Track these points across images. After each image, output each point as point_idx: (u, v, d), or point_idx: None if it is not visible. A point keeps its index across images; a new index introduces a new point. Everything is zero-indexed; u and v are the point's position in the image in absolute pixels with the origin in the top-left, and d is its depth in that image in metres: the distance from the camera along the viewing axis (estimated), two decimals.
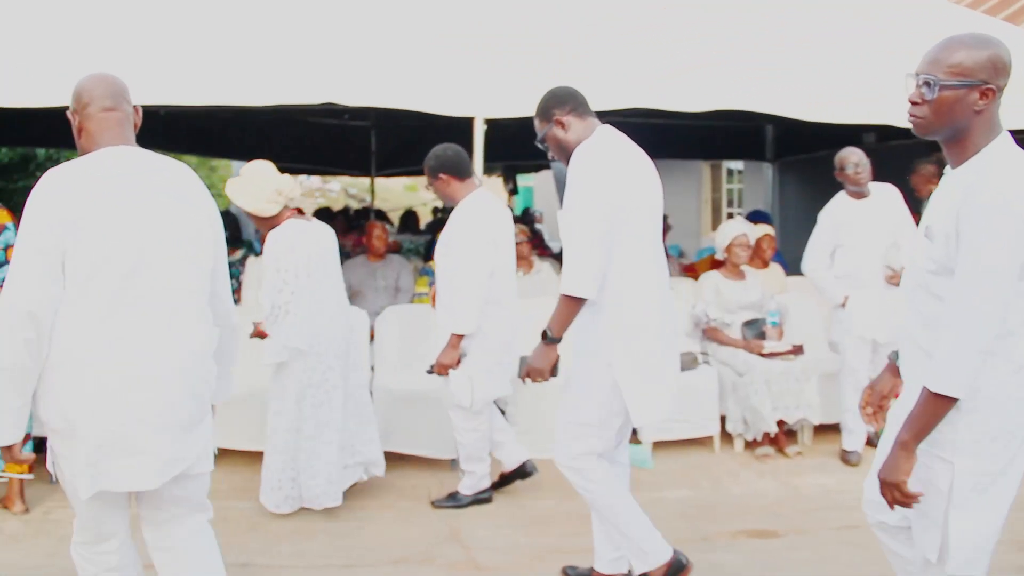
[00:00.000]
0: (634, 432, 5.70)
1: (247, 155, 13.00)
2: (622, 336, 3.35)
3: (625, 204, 3.33)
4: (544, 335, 3.39)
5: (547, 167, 13.22)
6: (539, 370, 3.45)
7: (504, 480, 4.95)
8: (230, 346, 3.00)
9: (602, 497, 3.58)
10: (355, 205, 19.76)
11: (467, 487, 4.82)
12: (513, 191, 14.92)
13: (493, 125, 7.39)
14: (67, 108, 2.78)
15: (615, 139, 3.51)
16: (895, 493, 2.36)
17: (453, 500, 4.81)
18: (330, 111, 9.60)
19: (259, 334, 4.56)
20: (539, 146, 3.64)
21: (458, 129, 5.82)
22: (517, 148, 10.48)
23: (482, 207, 4.55)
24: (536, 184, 19.13)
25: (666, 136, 10.44)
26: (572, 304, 3.30)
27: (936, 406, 2.29)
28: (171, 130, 10.33)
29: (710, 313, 5.93)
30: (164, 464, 2.68)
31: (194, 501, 2.96)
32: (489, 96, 5.18)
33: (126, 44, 4.87)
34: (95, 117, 2.71)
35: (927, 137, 2.42)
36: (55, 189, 2.59)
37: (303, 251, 4.43)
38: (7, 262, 4.46)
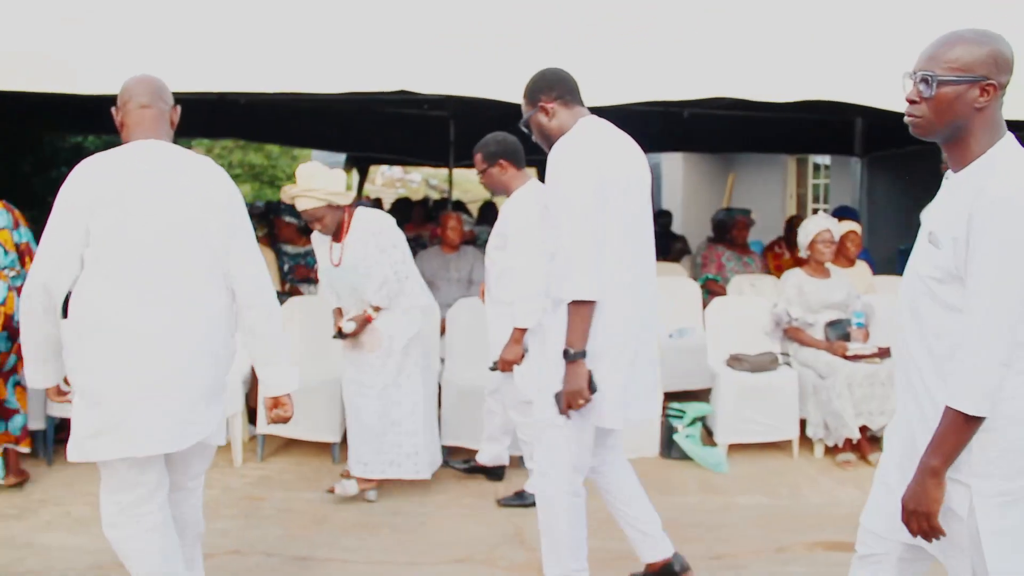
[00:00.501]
0: (709, 434, 5.56)
1: (328, 145, 13.18)
2: (599, 335, 3.15)
3: (610, 199, 3.17)
4: (566, 353, 3.12)
5: None
6: (576, 393, 3.11)
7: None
8: (266, 327, 3.02)
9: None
10: (435, 196, 19.80)
11: (533, 485, 4.69)
12: None
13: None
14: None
15: (598, 129, 3.33)
16: (923, 524, 2.20)
17: (519, 499, 4.69)
18: (409, 101, 9.59)
19: (366, 320, 4.58)
20: (523, 129, 3.52)
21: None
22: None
23: (537, 198, 4.41)
24: None
25: (749, 129, 10.18)
26: (583, 310, 3.10)
27: (963, 426, 2.13)
28: (253, 120, 10.45)
29: (792, 312, 5.71)
30: (180, 431, 2.88)
31: (195, 472, 3.19)
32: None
33: (207, 33, 4.86)
34: (132, 113, 2.97)
35: (926, 138, 2.28)
36: (81, 176, 2.85)
37: None
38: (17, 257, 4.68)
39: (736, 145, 12.38)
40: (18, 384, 4.75)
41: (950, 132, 2.23)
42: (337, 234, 4.62)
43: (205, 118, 10.59)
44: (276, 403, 3.12)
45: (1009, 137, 2.23)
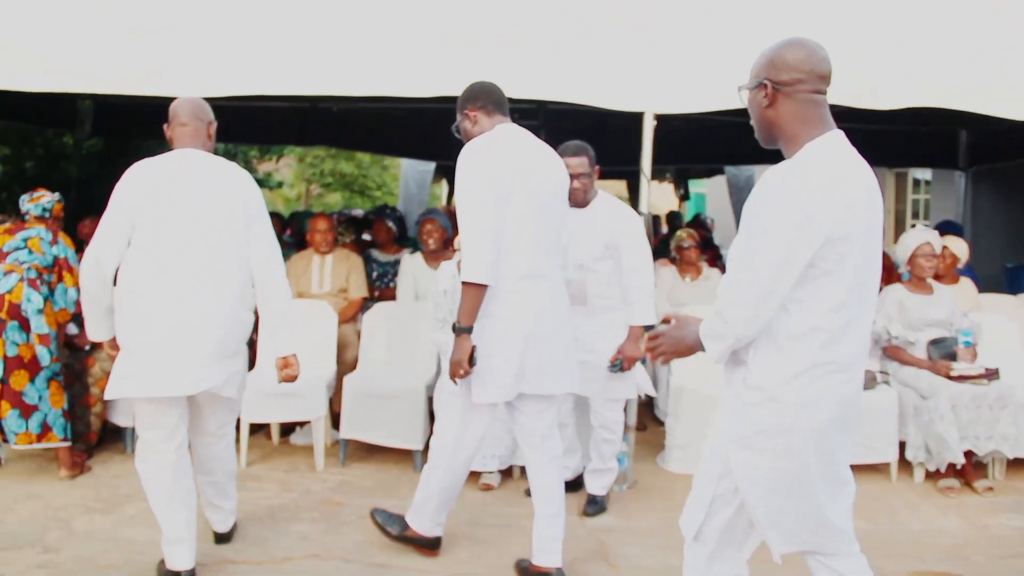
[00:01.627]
0: None
1: (418, 153, 13.21)
2: (492, 316, 3.54)
3: (512, 196, 3.49)
4: (454, 327, 3.53)
5: (720, 172, 12.76)
6: (457, 363, 3.51)
7: None
8: (273, 301, 3.76)
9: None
10: None
11: (602, 487, 4.70)
12: (684, 196, 14.50)
13: (664, 125, 7.08)
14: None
15: (509, 135, 3.68)
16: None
17: (596, 505, 4.66)
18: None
19: None
20: (455, 134, 3.85)
21: (623, 130, 5.59)
22: (688, 150, 10.17)
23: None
24: (708, 190, 18.58)
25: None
26: (473, 291, 3.46)
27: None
28: (344, 128, 10.55)
29: (892, 330, 5.46)
30: (192, 380, 3.55)
31: (222, 421, 3.87)
32: (661, 90, 4.91)
33: (300, 38, 4.90)
34: (176, 129, 3.71)
35: (766, 145, 2.53)
36: (130, 177, 3.62)
37: None
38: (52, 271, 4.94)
39: None
40: (53, 380, 4.83)
41: (765, 135, 2.53)
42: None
43: (298, 127, 10.78)
44: (285, 363, 3.83)
45: (834, 135, 2.42)
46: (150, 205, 3.53)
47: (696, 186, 17.25)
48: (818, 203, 2.30)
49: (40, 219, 5.00)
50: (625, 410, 4.79)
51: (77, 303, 4.77)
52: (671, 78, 4.96)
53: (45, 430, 4.80)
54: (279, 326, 3.81)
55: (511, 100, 5.23)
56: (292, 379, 3.86)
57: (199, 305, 3.51)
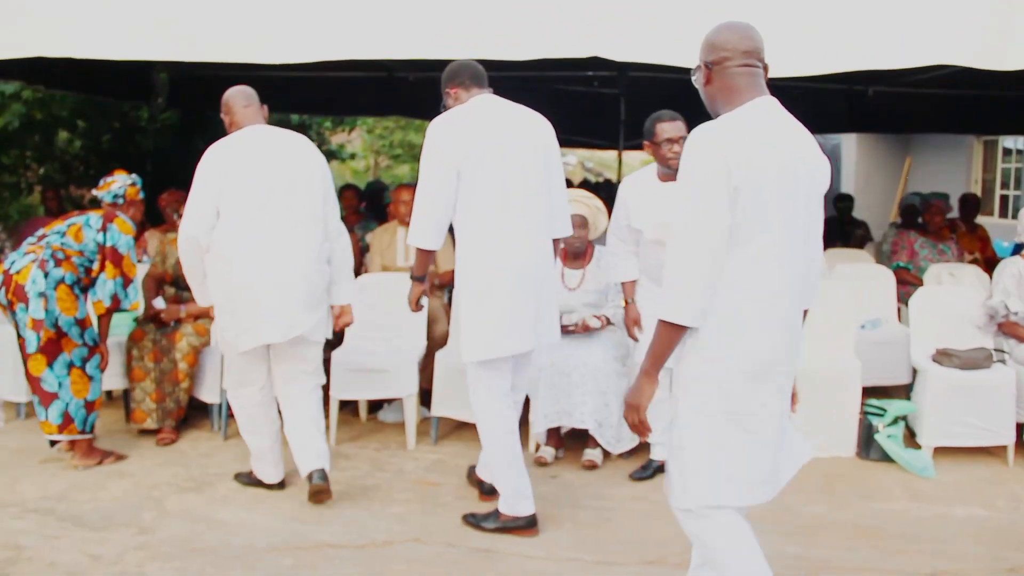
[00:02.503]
0: (911, 435, 5.10)
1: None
2: (462, 274, 3.87)
3: (462, 163, 3.69)
4: (411, 277, 4.03)
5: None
6: (409, 303, 4.07)
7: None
8: (340, 256, 4.29)
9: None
10: (592, 179, 19.48)
11: (659, 454, 4.61)
12: None
13: None
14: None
15: (478, 105, 3.84)
16: (633, 416, 2.67)
17: (645, 470, 4.59)
18: (580, 78, 9.34)
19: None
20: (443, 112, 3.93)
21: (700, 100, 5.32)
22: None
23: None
24: None
25: (933, 108, 9.47)
26: (422, 255, 3.88)
27: (666, 334, 2.56)
28: (418, 96, 10.35)
29: (1011, 305, 5.15)
30: (288, 327, 4.04)
31: (309, 365, 4.26)
32: (772, 50, 4.61)
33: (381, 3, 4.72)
34: (238, 112, 4.14)
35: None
36: (212, 156, 4.03)
37: None
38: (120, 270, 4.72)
39: (918, 125, 11.61)
40: (74, 367, 4.60)
41: (710, 109, 2.75)
42: (578, 258, 4.96)
43: (374, 97, 10.63)
44: (342, 311, 4.34)
45: (756, 102, 2.63)
46: (235, 179, 3.98)
47: None
48: (721, 153, 2.49)
49: (113, 205, 4.79)
50: None
51: (115, 297, 4.61)
52: (778, 36, 4.67)
53: (67, 421, 4.57)
54: (342, 277, 4.31)
55: (608, 64, 5.06)
56: (348, 325, 4.40)
57: (288, 264, 4.01)
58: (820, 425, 4.96)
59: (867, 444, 4.96)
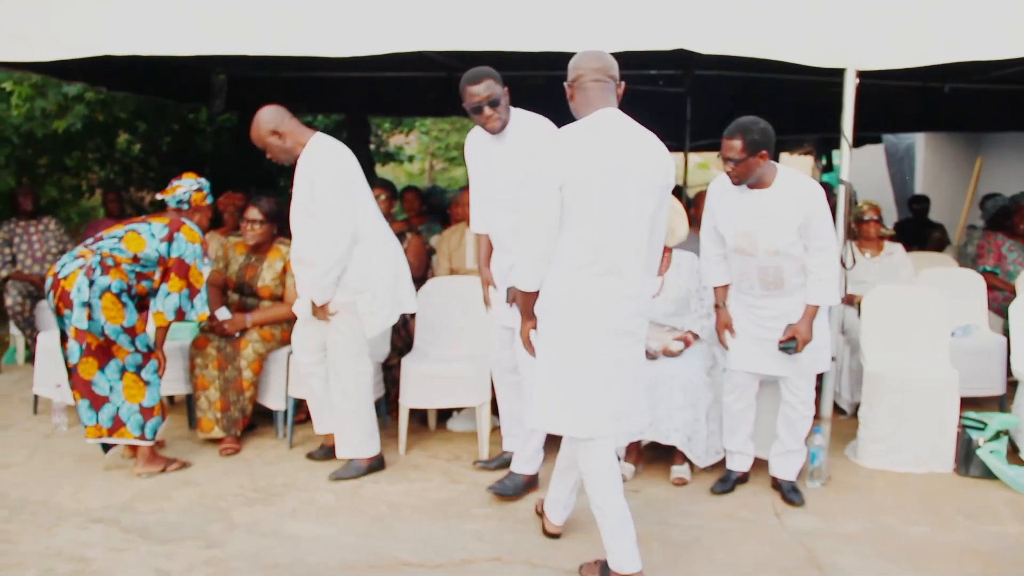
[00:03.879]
0: (1014, 450, 4.80)
1: (559, 124, 12.72)
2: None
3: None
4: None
5: (873, 140, 11.92)
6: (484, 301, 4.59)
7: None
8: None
9: None
10: None
11: (794, 471, 4.41)
12: (827, 168, 13.71)
13: (808, 89, 6.47)
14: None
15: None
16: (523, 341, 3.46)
17: (797, 494, 4.31)
18: (643, 77, 9.08)
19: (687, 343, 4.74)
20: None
21: (768, 98, 5.09)
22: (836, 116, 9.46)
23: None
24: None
25: (1005, 104, 9.07)
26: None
27: (520, 297, 3.37)
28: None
29: None
30: (414, 297, 4.67)
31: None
32: (864, 44, 4.37)
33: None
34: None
35: None
36: (347, 159, 4.36)
37: None
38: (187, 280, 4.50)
39: (993, 123, 11.15)
40: (127, 372, 4.43)
41: (576, 118, 3.33)
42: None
43: (432, 96, 10.47)
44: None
45: (599, 112, 3.28)
46: (361, 178, 4.40)
47: (836, 158, 16.31)
48: (553, 158, 3.18)
49: (178, 211, 4.61)
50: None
51: (179, 311, 4.43)
52: (874, 30, 4.41)
53: (117, 424, 4.42)
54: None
55: (694, 56, 4.82)
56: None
57: (397, 247, 4.63)
58: (916, 438, 4.69)
59: (966, 459, 4.66)
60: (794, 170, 4.23)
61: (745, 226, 4.11)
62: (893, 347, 5.03)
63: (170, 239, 4.42)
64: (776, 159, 4.39)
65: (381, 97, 10.02)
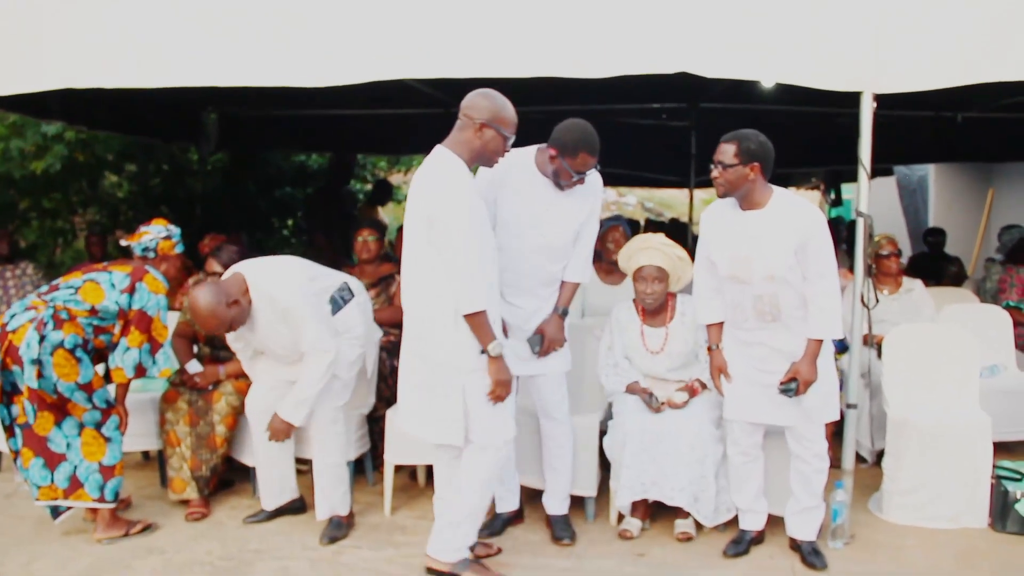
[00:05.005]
0: None
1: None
2: None
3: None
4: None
5: (884, 172, 11.60)
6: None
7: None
8: None
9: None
10: (654, 218, 18.86)
11: (813, 530, 4.04)
12: (836, 202, 13.38)
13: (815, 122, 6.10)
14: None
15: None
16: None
17: (819, 557, 3.93)
18: (647, 111, 8.81)
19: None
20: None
21: (780, 128, 4.84)
22: (845, 149, 9.16)
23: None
24: (854, 195, 17.18)
25: (1019, 133, 8.77)
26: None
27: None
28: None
29: None
30: None
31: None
32: (880, 67, 4.05)
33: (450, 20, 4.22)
34: None
35: None
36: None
37: None
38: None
39: (1007, 153, 10.85)
40: (86, 428, 4.07)
41: None
42: (658, 314, 4.40)
43: (429, 133, 10.19)
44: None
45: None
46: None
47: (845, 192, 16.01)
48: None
49: (143, 259, 4.28)
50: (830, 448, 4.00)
51: (139, 367, 4.07)
52: (888, 53, 4.10)
53: (74, 485, 4.04)
54: None
55: (698, 87, 4.52)
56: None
57: None
58: (947, 491, 4.32)
59: (1003, 514, 4.28)
60: (791, 193, 3.91)
61: (739, 250, 3.78)
62: (918, 391, 4.66)
63: (131, 290, 4.07)
64: None
65: (376, 135, 9.74)
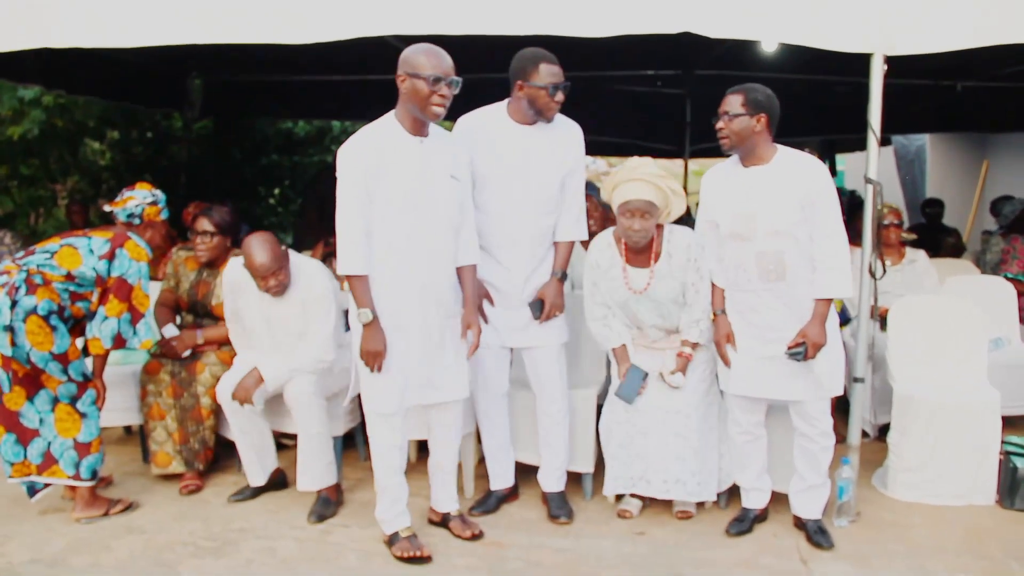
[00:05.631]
0: None
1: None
2: None
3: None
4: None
5: (883, 142, 11.44)
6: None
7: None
8: None
9: None
10: None
11: (818, 508, 3.91)
12: (830, 172, 13.21)
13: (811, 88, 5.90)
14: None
15: None
16: None
17: (825, 536, 3.79)
18: (642, 77, 8.61)
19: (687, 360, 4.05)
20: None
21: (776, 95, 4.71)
22: (841, 117, 8.96)
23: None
24: (847, 166, 17.06)
25: (1017, 104, 8.63)
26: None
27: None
28: (463, 96, 9.72)
29: None
30: None
31: None
32: (891, 26, 3.87)
33: None
34: None
35: None
36: None
37: None
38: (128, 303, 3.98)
39: (1005, 124, 10.69)
40: (60, 403, 3.90)
41: None
42: (642, 252, 3.90)
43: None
44: None
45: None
46: None
47: (839, 163, 15.82)
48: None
49: (128, 225, 4.10)
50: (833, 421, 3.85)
51: (118, 337, 3.89)
52: (900, 13, 3.92)
53: (48, 461, 3.90)
54: None
55: (695, 53, 4.31)
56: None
57: None
58: (954, 467, 4.20)
59: (1011, 491, 4.16)
60: (795, 151, 3.72)
61: (742, 207, 3.62)
62: (924, 365, 4.52)
63: (111, 256, 3.88)
64: None
65: (362, 101, 9.52)
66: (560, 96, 3.73)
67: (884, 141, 11.33)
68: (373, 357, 3.44)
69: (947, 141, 13.40)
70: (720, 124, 3.60)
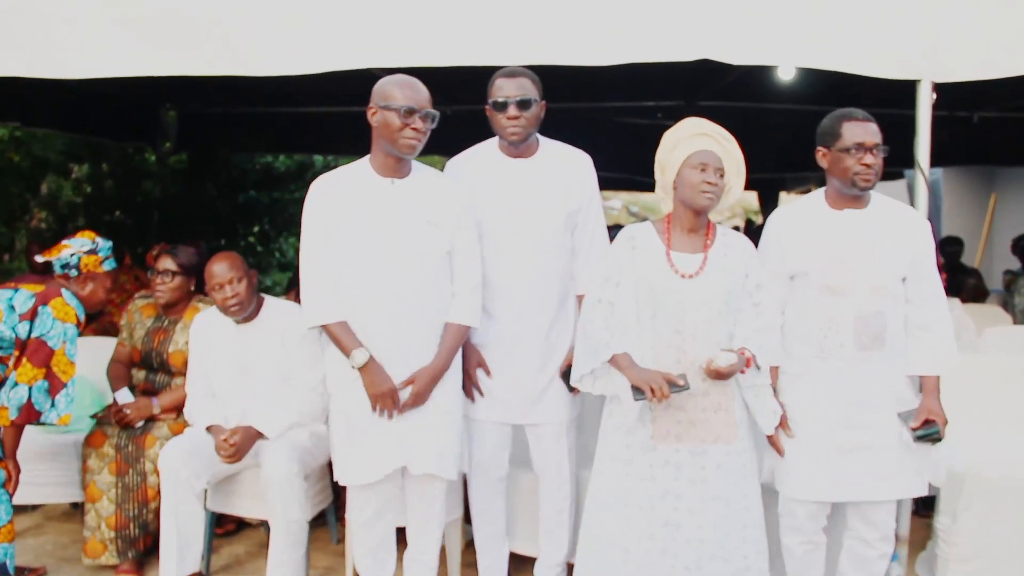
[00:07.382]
0: None
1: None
2: None
3: None
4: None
5: (895, 175, 11.00)
6: None
7: None
8: None
9: None
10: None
11: None
12: None
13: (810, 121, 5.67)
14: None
15: None
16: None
17: None
18: (640, 109, 8.24)
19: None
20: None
21: (774, 126, 4.23)
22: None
23: None
24: None
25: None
26: None
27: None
28: (460, 129, 9.30)
29: None
30: None
31: None
32: (941, 53, 3.43)
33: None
34: None
35: None
36: None
37: None
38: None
39: (1012, 157, 10.34)
40: None
41: None
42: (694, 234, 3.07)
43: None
44: None
45: None
46: None
47: None
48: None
49: (64, 277, 3.59)
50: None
51: (27, 407, 3.33)
52: (950, 37, 3.49)
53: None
54: None
55: (699, 81, 3.92)
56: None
57: None
58: (1018, 556, 3.62)
59: None
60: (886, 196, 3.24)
61: (839, 251, 3.07)
62: (974, 435, 3.99)
63: (32, 315, 3.35)
64: (774, 199, 3.45)
65: (346, 135, 9.10)
66: (512, 111, 3.22)
67: (896, 175, 10.97)
68: (385, 398, 3.06)
69: (955, 174, 13.09)
70: (868, 160, 3.03)
